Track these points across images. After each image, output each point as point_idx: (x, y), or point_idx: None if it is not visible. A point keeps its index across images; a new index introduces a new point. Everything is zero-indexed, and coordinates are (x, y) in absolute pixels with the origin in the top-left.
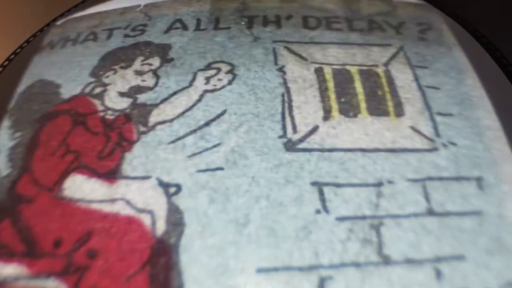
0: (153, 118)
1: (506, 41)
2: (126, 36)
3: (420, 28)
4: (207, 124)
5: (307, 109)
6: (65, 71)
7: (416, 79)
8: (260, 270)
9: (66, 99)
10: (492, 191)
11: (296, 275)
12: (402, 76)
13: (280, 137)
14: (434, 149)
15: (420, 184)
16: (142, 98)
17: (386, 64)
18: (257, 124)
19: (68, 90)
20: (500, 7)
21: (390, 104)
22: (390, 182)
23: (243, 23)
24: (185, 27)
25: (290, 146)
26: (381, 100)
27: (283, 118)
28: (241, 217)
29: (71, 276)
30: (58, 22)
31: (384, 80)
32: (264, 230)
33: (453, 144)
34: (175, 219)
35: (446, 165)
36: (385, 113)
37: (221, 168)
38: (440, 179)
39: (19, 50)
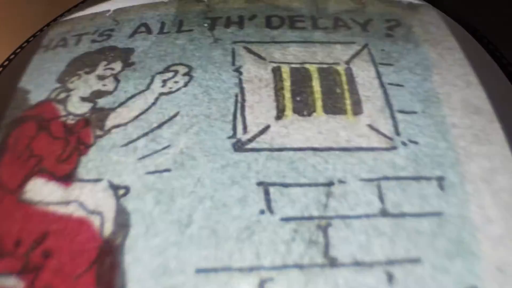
0: (109, 122)
1: (506, 41)
2: (93, 41)
3: (388, 25)
4: (159, 126)
5: (260, 109)
6: (35, 77)
7: (379, 76)
8: (199, 271)
9: (33, 104)
10: (454, 191)
11: (236, 276)
12: (364, 74)
13: (230, 137)
14: (393, 148)
15: (375, 184)
16: (101, 102)
17: (348, 62)
18: (208, 125)
19: (36, 96)
20: (500, 7)
21: (348, 102)
22: (341, 181)
23: (205, 25)
24: (149, 31)
25: (238, 147)
26: (338, 99)
27: (235, 118)
28: (184, 218)
29: (28, 275)
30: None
31: (344, 78)
32: (206, 230)
33: (414, 142)
34: (122, 220)
35: (405, 164)
36: (342, 112)
37: (168, 170)
38: (397, 178)
39: (19, 50)
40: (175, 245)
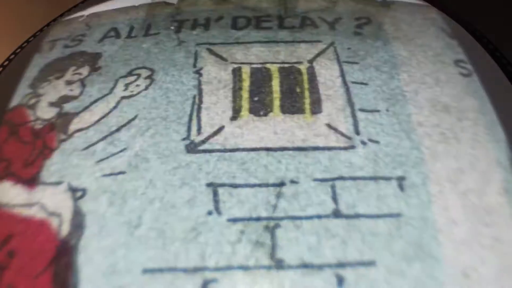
0: (72, 126)
1: (506, 41)
2: (65, 46)
3: (358, 22)
4: (118, 130)
5: (216, 110)
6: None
7: (342, 75)
8: (145, 271)
9: (11, 108)
10: (416, 192)
11: (180, 276)
12: (327, 73)
13: (183, 139)
14: (351, 147)
15: (329, 184)
16: (67, 107)
17: (311, 61)
18: (164, 127)
19: (14, 100)
20: (500, 7)
21: (307, 101)
22: (293, 182)
23: (172, 28)
24: (118, 35)
25: (191, 148)
26: (297, 98)
27: (190, 120)
28: (134, 219)
29: None
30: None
31: (305, 77)
32: (154, 231)
33: (375, 141)
34: (78, 222)
35: (363, 164)
36: (300, 111)
37: (123, 172)
38: (354, 179)
39: (19, 50)
40: (124, 245)
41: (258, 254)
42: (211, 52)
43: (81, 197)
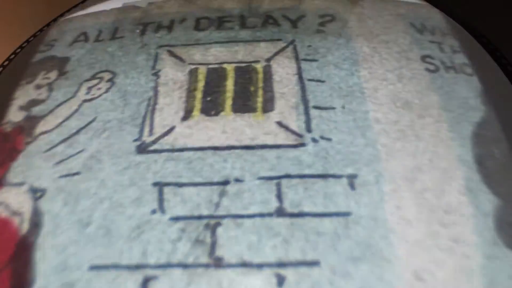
0: (38, 129)
1: (506, 41)
2: (39, 51)
3: (321, 20)
4: (77, 132)
5: (169, 111)
6: None
7: (299, 72)
8: (92, 267)
9: None
10: (367, 190)
11: (123, 273)
12: (283, 71)
13: (135, 140)
14: (300, 145)
15: (274, 182)
16: (35, 110)
17: (268, 60)
18: (118, 129)
19: None
20: (500, 7)
21: (259, 100)
22: (237, 180)
23: (137, 31)
24: (86, 39)
25: (142, 149)
26: (250, 97)
27: (144, 121)
28: (85, 218)
29: None
30: None
31: (260, 76)
32: (102, 230)
33: (326, 139)
34: (36, 220)
35: (312, 161)
36: (251, 110)
37: (78, 173)
38: (301, 177)
39: (19, 50)
40: (75, 243)
41: (197, 252)
42: (171, 53)
43: (41, 197)
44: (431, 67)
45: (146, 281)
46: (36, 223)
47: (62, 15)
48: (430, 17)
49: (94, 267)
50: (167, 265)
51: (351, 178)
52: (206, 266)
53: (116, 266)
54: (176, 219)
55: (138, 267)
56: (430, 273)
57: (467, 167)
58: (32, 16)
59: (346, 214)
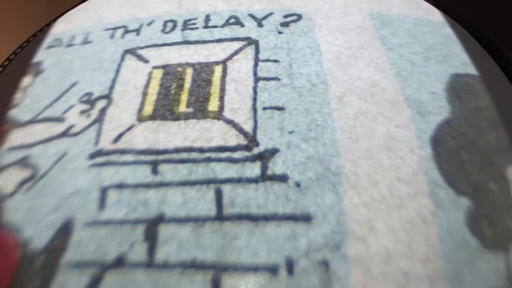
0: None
1: (506, 41)
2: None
3: (287, 20)
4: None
5: (123, 115)
6: None
7: (255, 72)
8: None
9: None
10: None
11: None
12: (239, 70)
13: (90, 145)
14: (246, 146)
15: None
16: None
17: (227, 59)
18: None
19: None
20: (500, 7)
21: (212, 99)
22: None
23: (107, 36)
24: (60, 44)
25: (94, 154)
26: (204, 98)
27: (101, 126)
28: None
29: None
30: None
31: (217, 76)
32: None
33: (271, 139)
34: None
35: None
36: (203, 111)
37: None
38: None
39: (19, 50)
40: None
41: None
42: (135, 56)
43: None
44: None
45: None
46: None
47: (62, 15)
48: None
49: None
50: None
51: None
52: None
53: None
54: None
55: None
56: None
57: None
58: (32, 16)
59: None
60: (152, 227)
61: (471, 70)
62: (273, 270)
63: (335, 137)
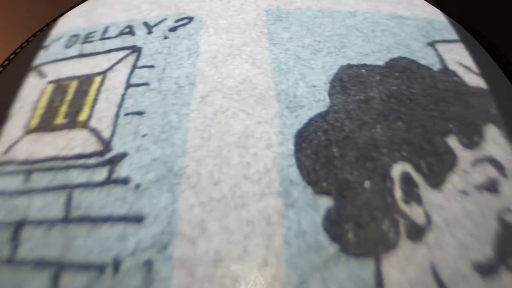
0: None
1: (506, 41)
2: None
3: (177, 24)
4: None
5: (13, 129)
6: None
7: (128, 79)
8: None
9: None
10: None
11: None
12: (115, 79)
13: None
14: (103, 152)
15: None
16: None
17: (108, 69)
18: None
19: None
20: (501, 7)
21: (84, 109)
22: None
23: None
24: None
25: None
26: (77, 107)
27: None
28: None
29: None
30: None
31: (94, 86)
32: None
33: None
34: None
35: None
36: (75, 120)
37: None
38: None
39: (19, 50)
40: None
41: None
42: (36, 72)
43: None
44: None
45: None
46: None
47: (62, 15)
48: None
49: None
50: None
51: None
52: None
53: None
54: None
55: None
56: None
57: None
58: (32, 16)
59: None
60: (17, 229)
61: (370, 60)
62: (101, 269)
63: (186, 137)
